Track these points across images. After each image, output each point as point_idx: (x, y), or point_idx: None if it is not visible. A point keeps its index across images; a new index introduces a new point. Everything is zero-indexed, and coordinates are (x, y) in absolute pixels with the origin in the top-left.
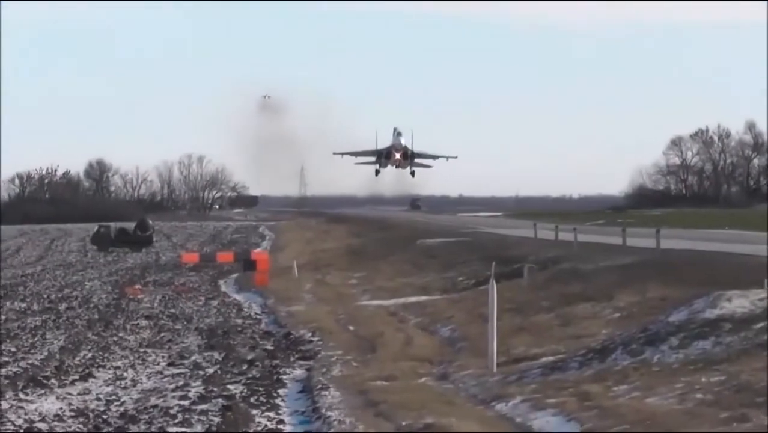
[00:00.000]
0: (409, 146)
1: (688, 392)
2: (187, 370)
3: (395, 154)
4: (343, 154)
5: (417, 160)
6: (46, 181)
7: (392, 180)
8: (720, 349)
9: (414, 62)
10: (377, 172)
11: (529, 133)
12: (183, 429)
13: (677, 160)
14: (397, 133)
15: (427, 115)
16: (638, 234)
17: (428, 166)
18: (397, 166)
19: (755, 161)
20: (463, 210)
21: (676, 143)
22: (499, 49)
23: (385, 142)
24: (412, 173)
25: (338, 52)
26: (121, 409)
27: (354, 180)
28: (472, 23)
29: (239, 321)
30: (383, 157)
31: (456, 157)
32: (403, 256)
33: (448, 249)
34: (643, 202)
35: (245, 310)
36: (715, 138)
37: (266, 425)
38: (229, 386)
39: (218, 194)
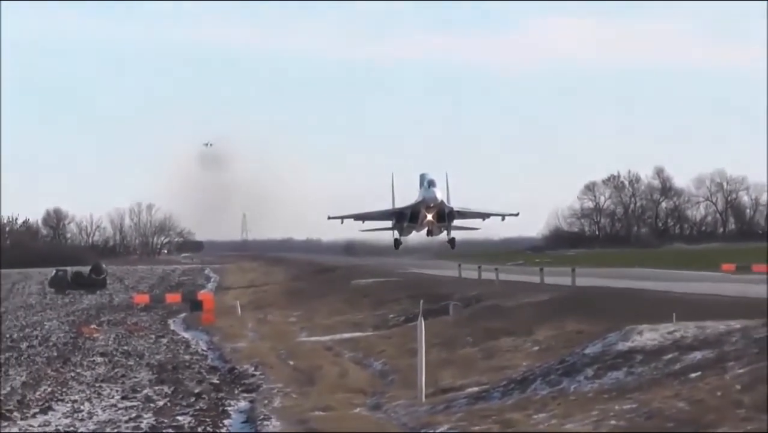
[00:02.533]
0: (446, 201)
1: (602, 419)
2: (139, 403)
3: (427, 215)
4: (342, 218)
5: (458, 222)
6: (8, 228)
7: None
8: (632, 379)
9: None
10: (398, 243)
11: (457, 179)
12: None
13: (591, 204)
14: (428, 183)
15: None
16: (555, 273)
17: (474, 228)
18: (429, 233)
19: (663, 204)
20: (394, 253)
21: (590, 188)
22: (415, 88)
23: (404, 195)
24: (451, 242)
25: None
26: None
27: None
28: (385, 65)
29: (187, 357)
30: (407, 220)
31: (517, 215)
32: (338, 295)
33: (379, 288)
34: (560, 243)
35: (193, 346)
36: (626, 183)
37: None
38: (179, 417)
39: (166, 240)
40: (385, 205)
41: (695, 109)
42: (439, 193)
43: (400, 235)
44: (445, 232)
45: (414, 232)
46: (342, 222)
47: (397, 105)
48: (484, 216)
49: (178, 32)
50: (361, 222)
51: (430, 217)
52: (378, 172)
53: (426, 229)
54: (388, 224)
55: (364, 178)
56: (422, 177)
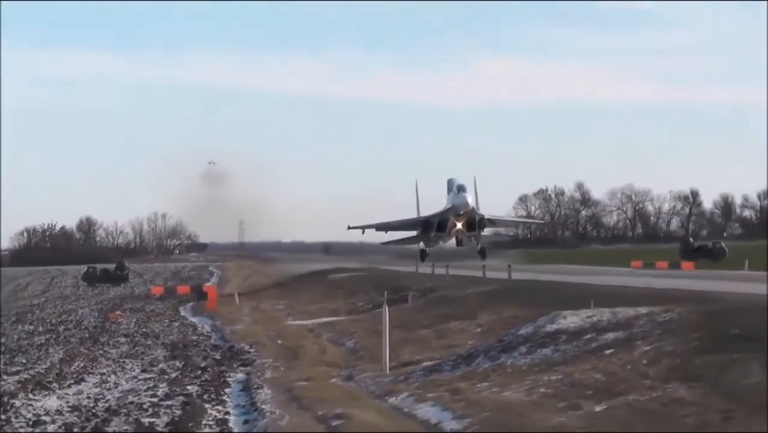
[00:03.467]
0: (477, 209)
1: (534, 387)
2: (155, 375)
3: (456, 224)
4: (363, 228)
5: (488, 231)
6: (48, 233)
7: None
8: (558, 355)
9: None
10: (424, 255)
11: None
12: (153, 420)
13: (524, 212)
14: (458, 188)
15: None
16: (495, 268)
17: (508, 236)
18: (458, 243)
19: (583, 212)
20: (364, 253)
21: (523, 199)
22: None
23: (428, 201)
24: (482, 252)
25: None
26: (106, 405)
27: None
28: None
29: (195, 337)
30: (434, 229)
31: (547, 222)
32: (318, 287)
33: (351, 281)
34: (498, 245)
35: (199, 329)
36: (553, 195)
37: (216, 415)
38: (188, 387)
39: (177, 242)
40: (371, 215)
41: (612, 136)
42: (470, 199)
43: (426, 245)
44: (477, 242)
45: (441, 242)
46: (363, 232)
47: (358, 132)
48: (518, 224)
49: (190, 72)
50: (383, 233)
51: (459, 225)
52: (361, 183)
53: (455, 238)
54: (413, 233)
55: (346, 190)
56: (450, 182)
